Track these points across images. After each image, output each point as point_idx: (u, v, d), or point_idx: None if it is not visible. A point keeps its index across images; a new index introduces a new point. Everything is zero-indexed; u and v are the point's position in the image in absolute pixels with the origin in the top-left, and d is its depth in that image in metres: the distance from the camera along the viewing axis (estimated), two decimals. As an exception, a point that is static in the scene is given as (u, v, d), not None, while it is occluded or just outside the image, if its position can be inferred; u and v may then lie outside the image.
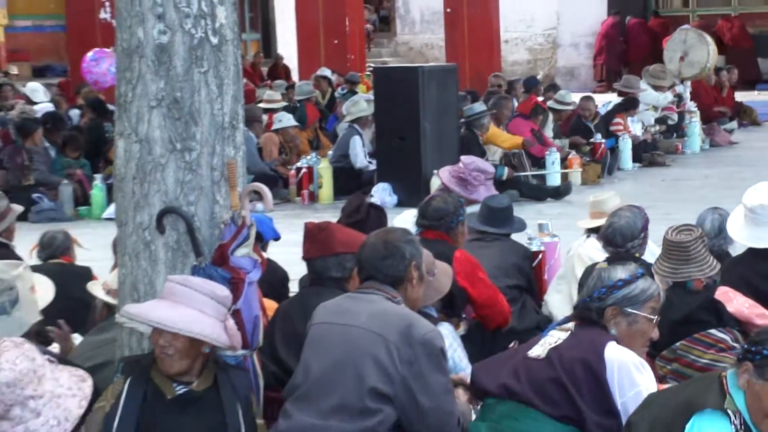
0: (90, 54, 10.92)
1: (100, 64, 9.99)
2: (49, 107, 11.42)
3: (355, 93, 12.07)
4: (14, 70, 16.33)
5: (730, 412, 2.97)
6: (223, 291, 3.28)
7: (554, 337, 3.45)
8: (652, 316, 3.41)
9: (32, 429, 2.87)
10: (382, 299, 3.45)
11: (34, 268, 4.45)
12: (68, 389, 2.99)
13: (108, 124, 9.48)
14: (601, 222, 5.11)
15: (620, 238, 4.79)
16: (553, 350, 3.38)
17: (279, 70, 17.37)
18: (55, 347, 3.80)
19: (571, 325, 3.47)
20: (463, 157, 6.41)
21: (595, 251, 5.12)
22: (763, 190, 4.90)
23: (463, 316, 4.72)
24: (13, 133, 9.89)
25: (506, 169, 9.99)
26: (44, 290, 4.16)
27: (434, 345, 3.41)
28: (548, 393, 3.37)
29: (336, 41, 14.89)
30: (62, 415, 2.94)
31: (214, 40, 3.54)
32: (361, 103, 10.57)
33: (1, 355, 2.88)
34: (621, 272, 3.43)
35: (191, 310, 3.18)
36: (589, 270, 4.45)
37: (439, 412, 3.39)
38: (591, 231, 5.42)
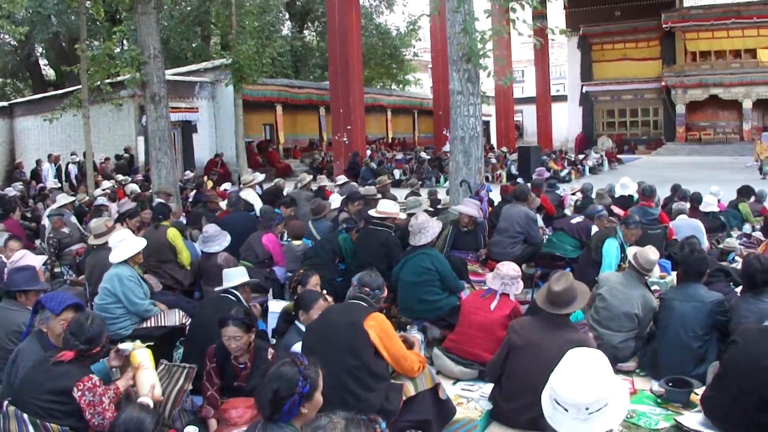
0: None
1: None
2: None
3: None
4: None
5: (617, 238, 8.27)
6: (477, 203, 10.19)
7: (578, 219, 10.06)
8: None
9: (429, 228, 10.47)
10: (523, 207, 10.68)
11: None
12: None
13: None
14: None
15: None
16: (579, 222, 9.70)
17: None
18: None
19: (581, 217, 10.27)
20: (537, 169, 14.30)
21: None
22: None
23: (542, 210, 11.80)
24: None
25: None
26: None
27: (532, 219, 10.10)
28: (573, 232, 9.41)
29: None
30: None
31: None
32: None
33: (418, 215, 10.30)
34: None
35: (469, 207, 9.83)
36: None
37: (536, 236, 10.05)
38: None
